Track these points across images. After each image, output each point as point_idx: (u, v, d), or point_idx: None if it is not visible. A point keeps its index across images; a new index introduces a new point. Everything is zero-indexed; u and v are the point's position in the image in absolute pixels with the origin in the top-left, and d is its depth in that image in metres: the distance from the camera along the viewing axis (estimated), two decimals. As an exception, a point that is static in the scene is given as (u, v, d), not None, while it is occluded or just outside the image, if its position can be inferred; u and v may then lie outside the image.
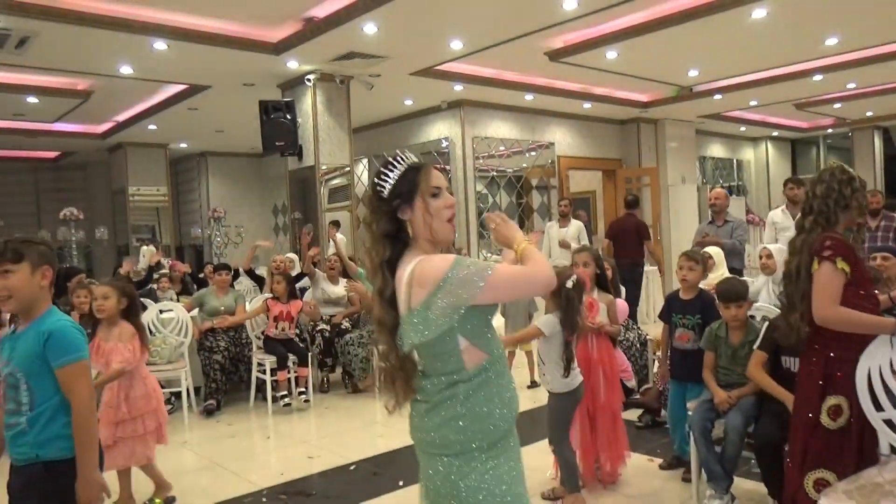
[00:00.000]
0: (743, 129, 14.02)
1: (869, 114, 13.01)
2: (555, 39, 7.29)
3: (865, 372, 2.40)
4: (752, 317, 3.51)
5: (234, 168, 13.75)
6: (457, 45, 7.07)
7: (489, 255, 10.27)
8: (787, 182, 6.56)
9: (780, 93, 10.29)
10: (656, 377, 4.93)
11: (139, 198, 11.97)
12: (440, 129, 10.22)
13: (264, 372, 5.63)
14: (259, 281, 7.34)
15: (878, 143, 14.22)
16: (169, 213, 12.45)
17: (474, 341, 1.67)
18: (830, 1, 6.33)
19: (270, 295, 5.92)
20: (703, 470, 3.30)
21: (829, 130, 14.69)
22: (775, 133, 14.95)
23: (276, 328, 5.71)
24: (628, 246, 7.77)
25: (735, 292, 3.28)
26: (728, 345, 3.35)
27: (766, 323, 3.22)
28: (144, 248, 10.31)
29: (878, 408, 2.41)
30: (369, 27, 6.28)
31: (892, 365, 2.40)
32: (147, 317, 5.59)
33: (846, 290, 2.40)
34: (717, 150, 14.51)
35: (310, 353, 6.03)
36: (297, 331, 6.23)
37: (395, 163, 1.75)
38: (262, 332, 5.88)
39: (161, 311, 5.89)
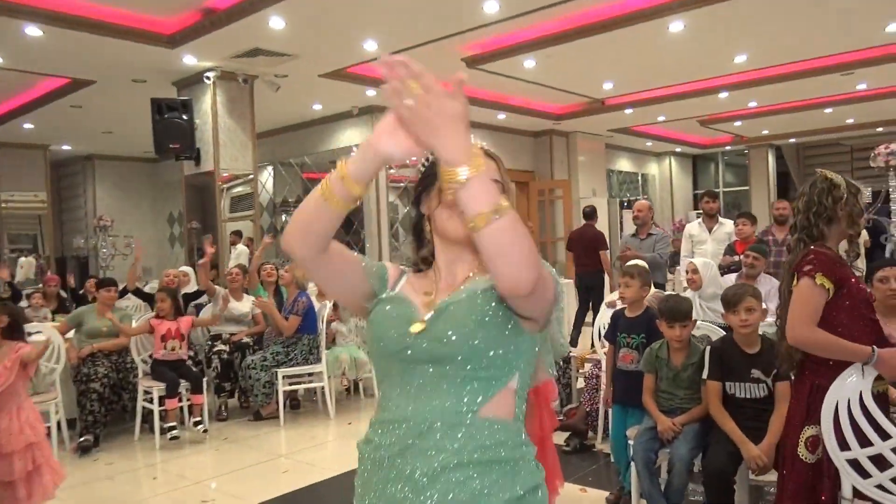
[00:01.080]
0: (649, 144, 14.34)
1: (764, 132, 13.59)
2: (473, 45, 7.04)
3: (833, 405, 2.18)
4: (693, 335, 3.29)
5: (124, 173, 12.68)
6: (371, 46, 6.67)
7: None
8: (703, 196, 6.59)
9: (687, 109, 10.50)
10: (582, 398, 4.69)
11: (13, 204, 10.81)
12: (351, 136, 9.76)
13: (151, 400, 4.99)
14: (148, 299, 6.61)
15: (771, 160, 14.92)
16: (49, 222, 11.33)
17: None
18: (745, 17, 6.39)
19: (153, 314, 5.29)
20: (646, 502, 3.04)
21: (728, 147, 15.28)
22: (678, 149, 15.40)
23: (165, 348, 5.08)
24: (589, 254, 7.70)
25: (680, 311, 3.04)
26: (670, 367, 3.10)
27: (709, 349, 3.00)
28: (23, 259, 9.33)
29: (844, 446, 2.20)
30: (275, 21, 5.79)
31: (861, 398, 2.19)
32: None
33: (841, 311, 2.18)
34: (624, 164, 14.77)
35: (205, 378, 5.43)
36: (192, 352, 5.62)
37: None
38: (150, 356, 5.23)
39: (29, 334, 5.12)
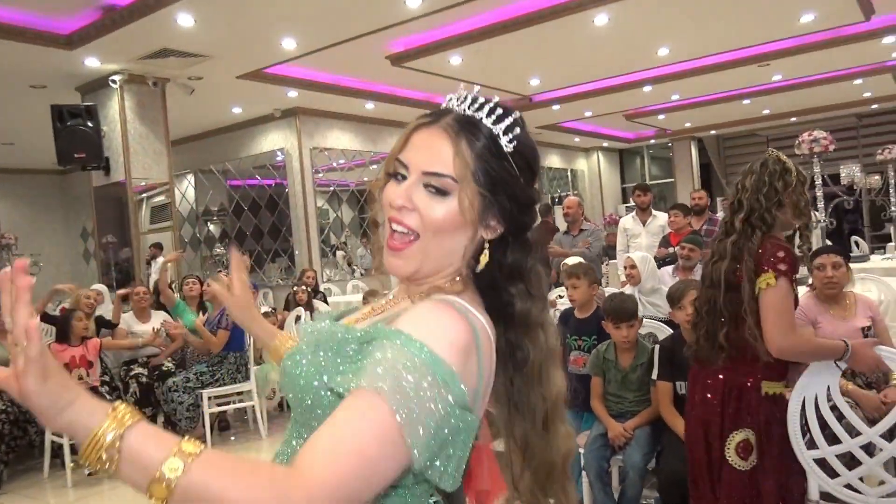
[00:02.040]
0: (577, 139, 14.45)
1: (687, 125, 13.89)
2: (397, 42, 6.82)
3: (799, 403, 2.06)
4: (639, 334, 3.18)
5: (29, 187, 11.82)
6: (289, 45, 6.36)
7: (347, 281, 9.60)
8: (634, 189, 6.58)
9: (613, 103, 10.59)
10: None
11: None
12: (274, 140, 9.37)
13: (60, 434, 4.55)
14: (55, 323, 6.04)
15: (694, 152, 15.29)
16: (-54, 242, 10.45)
17: None
18: (667, 10, 6.41)
19: (51, 339, 4.82)
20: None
21: (652, 141, 15.58)
22: (605, 144, 15.60)
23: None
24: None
25: (625, 310, 2.91)
26: (618, 369, 2.97)
27: (658, 347, 2.88)
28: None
29: (811, 445, 2.09)
30: (184, 19, 5.41)
31: (828, 392, 2.08)
32: None
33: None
34: (554, 160, 14.84)
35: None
36: (106, 377, 5.19)
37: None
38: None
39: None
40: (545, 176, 14.56)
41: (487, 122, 0.92)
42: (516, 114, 0.94)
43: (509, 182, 0.92)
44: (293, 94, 8.13)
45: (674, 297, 2.85)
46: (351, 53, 6.75)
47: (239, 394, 5.30)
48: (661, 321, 3.51)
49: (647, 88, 9.62)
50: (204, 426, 5.06)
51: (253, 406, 5.32)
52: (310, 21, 5.83)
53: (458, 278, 0.95)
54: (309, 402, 0.89)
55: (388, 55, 7.11)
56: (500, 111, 0.93)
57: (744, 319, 2.04)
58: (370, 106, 9.12)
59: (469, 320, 0.86)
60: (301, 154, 9.08)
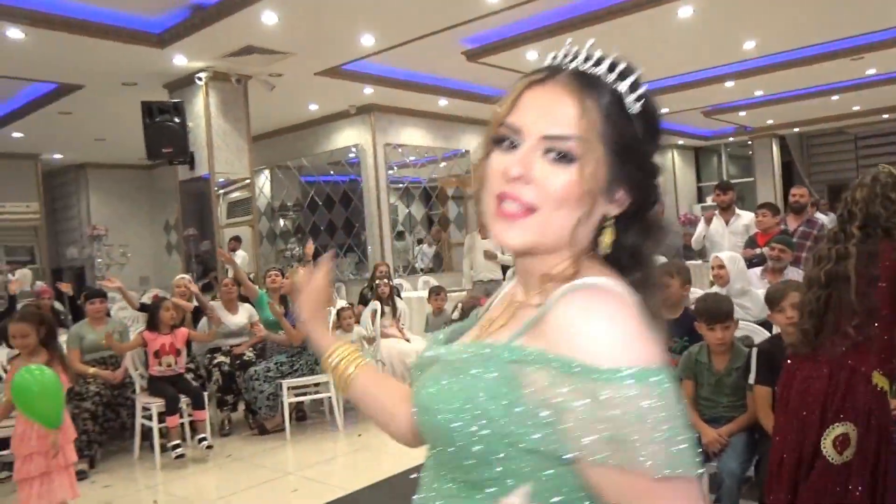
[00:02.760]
0: (651, 137, 14.10)
1: (769, 122, 13.34)
2: (473, 37, 6.79)
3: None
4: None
5: (118, 181, 12.40)
6: (368, 41, 6.42)
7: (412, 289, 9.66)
8: (715, 187, 6.37)
9: (691, 99, 10.25)
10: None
11: (5, 216, 10.56)
12: (348, 137, 9.50)
13: (150, 418, 4.73)
14: (146, 310, 6.33)
15: (775, 150, 14.67)
16: (43, 233, 11.07)
17: None
18: (753, 2, 6.15)
19: (144, 328, 5.01)
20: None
21: (731, 139, 15.04)
22: (681, 141, 15.16)
23: (160, 364, 4.82)
24: None
25: (720, 311, 2.79)
26: (712, 372, 2.85)
27: (756, 350, 2.75)
28: (19, 271, 9.09)
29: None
30: (268, 17, 5.53)
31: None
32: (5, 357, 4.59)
33: None
34: (626, 158, 14.54)
35: (207, 392, 5.17)
36: (193, 365, 5.37)
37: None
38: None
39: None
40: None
41: (609, 78, 0.80)
42: (640, 70, 0.82)
43: (638, 147, 0.81)
44: (369, 90, 8.21)
45: (773, 299, 2.72)
46: (427, 49, 6.76)
47: (316, 385, 5.39)
48: (756, 323, 3.36)
49: (729, 84, 9.28)
50: (283, 415, 5.17)
51: (329, 397, 5.41)
52: (388, 17, 5.87)
53: (579, 256, 0.80)
54: (453, 448, 0.76)
55: (463, 51, 7.10)
56: (622, 66, 0.81)
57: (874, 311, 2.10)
58: (444, 102, 9.13)
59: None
60: (375, 150, 9.18)
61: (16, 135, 9.09)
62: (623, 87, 0.80)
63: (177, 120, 6.69)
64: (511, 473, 0.73)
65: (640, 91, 0.81)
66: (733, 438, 2.71)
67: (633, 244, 0.82)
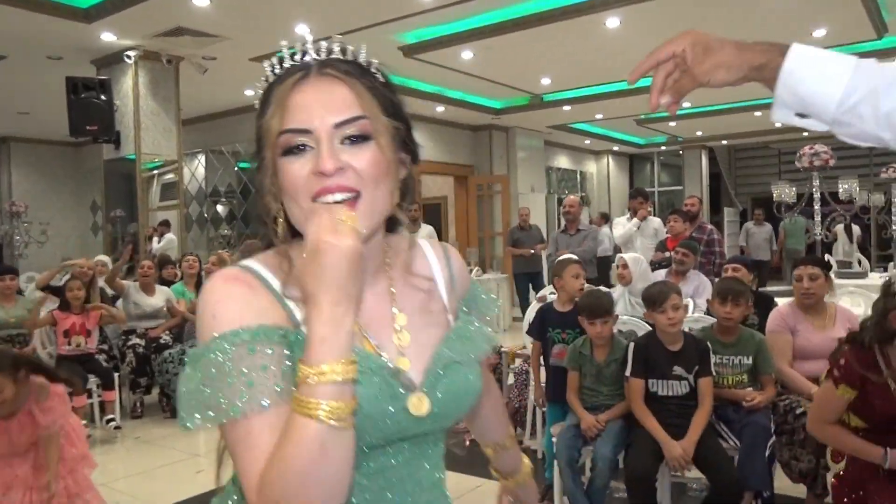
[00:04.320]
0: (588, 142, 14.48)
1: (698, 133, 13.90)
2: (409, 34, 6.89)
3: None
4: (620, 331, 3.26)
5: (42, 157, 11.98)
6: (302, 30, 6.43)
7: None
8: (635, 193, 6.67)
9: (624, 108, 10.60)
10: (513, 395, 4.61)
11: (-82, 187, 10.11)
12: (285, 124, 9.45)
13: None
14: (56, 293, 6.19)
15: (704, 161, 15.29)
16: (-41, 207, 10.63)
17: None
18: (677, 16, 6.44)
19: (55, 306, 4.95)
20: (566, 500, 2.98)
21: (663, 147, 15.58)
22: (616, 147, 15.62)
23: (69, 343, 4.77)
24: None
25: (600, 306, 2.99)
26: (593, 363, 3.05)
27: (632, 345, 2.95)
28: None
29: None
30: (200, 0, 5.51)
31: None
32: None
33: None
34: (563, 161, 14.88)
35: (119, 373, 5.13)
36: (106, 346, 5.31)
37: (275, 65, 0.88)
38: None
39: None
40: (553, 175, 14.60)
41: (356, 58, 0.87)
42: (357, 45, 0.89)
43: (400, 107, 0.88)
44: (305, 79, 8.20)
45: (655, 300, 2.91)
46: (363, 42, 6.73)
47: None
48: (648, 323, 3.57)
49: (657, 94, 9.64)
50: (196, 399, 5.17)
51: (245, 383, 5.43)
52: (323, 7, 5.91)
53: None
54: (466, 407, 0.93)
55: (399, 46, 7.18)
56: (350, 46, 0.87)
57: None
58: (381, 96, 9.18)
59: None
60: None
61: (-68, 102, 8.73)
62: (364, 61, 0.87)
63: (103, 97, 6.56)
64: None
65: (373, 61, 0.89)
66: (609, 424, 2.91)
67: (408, 187, 0.91)
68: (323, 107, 0.81)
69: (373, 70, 0.88)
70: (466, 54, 7.42)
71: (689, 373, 2.86)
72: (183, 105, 7.33)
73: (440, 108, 10.19)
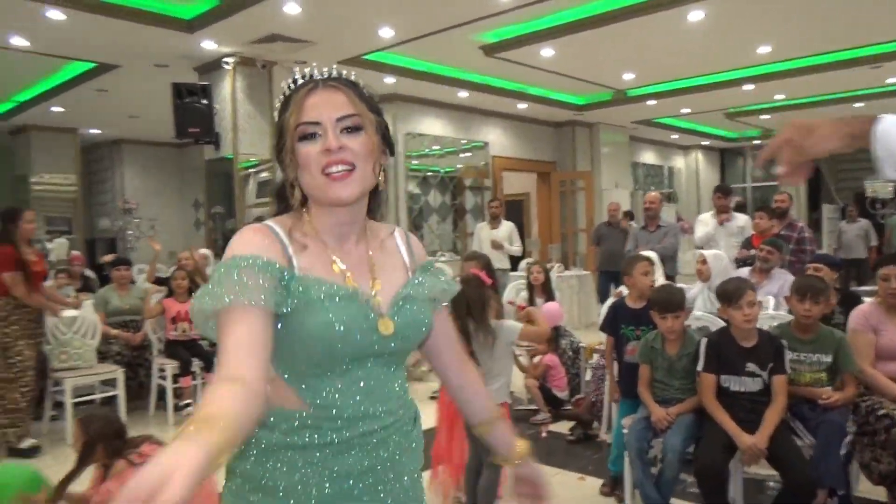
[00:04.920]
0: (675, 136, 14.15)
1: (794, 126, 13.29)
2: (490, 33, 7.01)
3: None
4: (689, 326, 3.27)
5: (151, 157, 12.88)
6: (387, 33, 6.69)
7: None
8: (715, 190, 6.53)
9: (712, 101, 10.34)
10: (590, 390, 4.67)
11: (44, 186, 11.06)
12: (371, 124, 9.77)
13: (165, 378, 5.11)
14: (163, 283, 6.71)
15: (801, 155, 14.59)
16: (80, 204, 11.58)
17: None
18: (767, 8, 6.27)
19: (165, 295, 5.38)
20: (637, 492, 3.04)
21: (756, 141, 15.01)
22: (705, 142, 15.18)
23: (176, 329, 5.20)
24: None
25: (672, 301, 3.02)
26: (664, 357, 3.09)
27: (705, 340, 2.98)
28: (56, 240, 9.59)
29: None
30: (291, 7, 5.82)
31: None
32: (49, 319, 4.97)
33: None
34: (649, 156, 14.61)
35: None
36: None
37: (290, 83, 1.21)
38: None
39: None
40: (639, 171, 14.35)
41: (349, 77, 1.20)
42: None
43: (379, 110, 1.20)
44: (390, 80, 8.47)
45: (730, 296, 2.92)
46: (445, 43, 7.00)
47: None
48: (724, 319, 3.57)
49: (747, 87, 9.36)
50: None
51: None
52: (406, 10, 6.12)
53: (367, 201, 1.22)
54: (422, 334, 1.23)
55: (481, 45, 7.32)
56: (344, 70, 1.20)
57: None
58: (464, 94, 9.36)
59: None
60: (395, 139, 9.42)
61: (56, 109, 9.54)
62: (354, 79, 1.21)
63: (204, 101, 7.05)
64: None
65: (361, 81, 1.22)
66: (679, 417, 2.95)
67: (384, 168, 1.21)
68: (328, 106, 1.13)
69: (361, 85, 1.21)
70: (547, 52, 7.47)
71: (762, 370, 2.87)
72: (276, 107, 7.71)
73: (522, 105, 10.25)
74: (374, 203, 1.24)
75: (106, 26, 6.08)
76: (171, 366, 5.10)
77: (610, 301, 4.61)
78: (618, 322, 3.49)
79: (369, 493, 1.13)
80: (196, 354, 5.21)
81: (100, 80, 8.05)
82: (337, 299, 1.10)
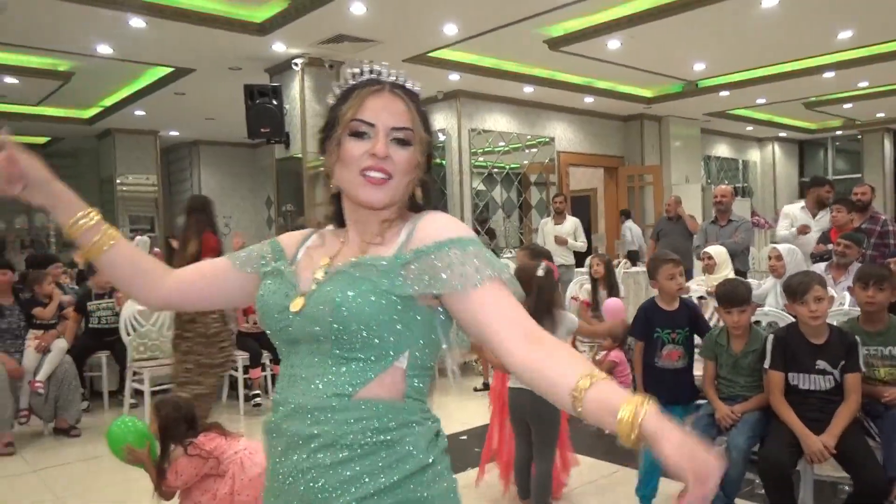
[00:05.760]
0: (749, 128, 13.66)
1: (880, 115, 12.63)
2: (555, 27, 6.95)
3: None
4: (758, 322, 3.17)
5: (225, 158, 13.40)
6: (451, 30, 6.73)
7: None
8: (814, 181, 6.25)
9: (789, 91, 9.93)
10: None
11: (127, 187, 11.66)
12: (436, 121, 9.85)
13: (237, 369, 5.31)
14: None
15: (888, 145, 13.85)
16: (161, 203, 12.15)
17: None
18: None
19: None
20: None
21: (838, 132, 14.32)
22: (783, 133, 14.58)
23: (247, 321, 5.39)
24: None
25: (737, 295, 2.93)
26: (729, 353, 3.00)
27: (772, 336, 2.88)
28: (139, 238, 10.09)
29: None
30: (357, 7, 5.94)
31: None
32: (125, 311, 5.27)
33: None
34: (722, 149, 14.15)
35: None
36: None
37: (357, 72, 1.19)
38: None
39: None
40: (712, 165, 13.92)
41: (409, 85, 1.18)
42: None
43: (429, 127, 1.19)
44: (455, 77, 8.52)
45: (795, 291, 2.81)
46: (510, 38, 6.99)
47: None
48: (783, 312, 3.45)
49: (827, 75, 8.94)
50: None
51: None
52: (470, 6, 6.14)
53: (399, 209, 1.19)
54: (356, 326, 1.05)
55: (546, 40, 7.26)
56: (410, 82, 1.19)
57: None
58: (529, 90, 9.31)
59: None
60: (460, 135, 9.49)
61: (138, 112, 10.04)
62: (416, 89, 1.19)
63: (275, 102, 7.28)
64: (393, 340, 1.08)
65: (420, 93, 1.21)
66: (745, 415, 2.86)
67: (427, 192, 1.22)
68: (387, 112, 1.13)
69: (418, 97, 1.20)
70: (613, 44, 7.35)
71: (833, 367, 2.75)
72: (335, 93, 7.87)
73: (588, 99, 10.11)
74: (416, 202, 1.20)
75: (183, 32, 6.36)
76: (242, 357, 5.29)
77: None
78: (651, 325, 3.17)
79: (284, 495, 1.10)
80: (266, 347, 5.38)
81: (178, 84, 8.42)
82: (273, 276, 1.19)
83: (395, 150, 1.13)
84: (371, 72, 1.17)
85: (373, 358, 1.08)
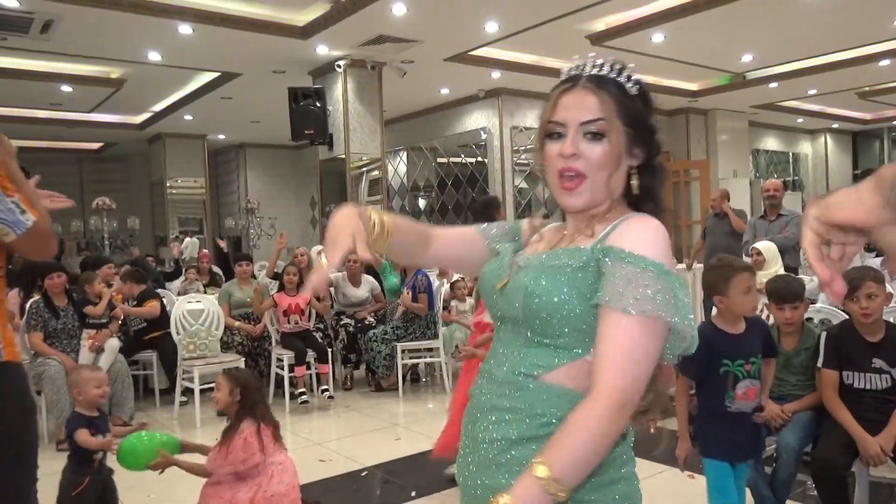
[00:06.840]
0: (800, 120, 13.27)
1: (940, 104, 12.13)
2: (597, 21, 6.87)
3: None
4: (810, 319, 3.08)
5: (270, 160, 13.64)
6: (492, 28, 6.71)
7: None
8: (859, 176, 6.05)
9: (841, 80, 9.61)
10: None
11: (177, 189, 11.97)
12: (478, 119, 9.87)
13: (282, 368, 5.41)
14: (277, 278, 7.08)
15: (949, 135, 13.31)
16: (209, 205, 12.44)
17: None
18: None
19: (276, 290, 5.70)
20: (751, 492, 2.90)
21: (895, 122, 13.80)
22: (835, 125, 14.12)
23: (289, 322, 5.48)
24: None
25: (789, 291, 2.85)
26: (781, 352, 2.92)
27: (825, 334, 2.79)
28: (188, 240, 10.34)
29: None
30: (398, 8, 5.98)
31: None
32: (176, 310, 5.42)
33: None
34: (771, 142, 13.79)
35: (332, 349, 5.79)
36: (321, 325, 6.00)
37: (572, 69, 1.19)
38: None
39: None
40: (761, 158, 13.57)
41: (612, 75, 1.14)
42: (632, 65, 1.17)
43: (641, 116, 1.14)
44: (496, 74, 8.50)
45: (847, 287, 2.72)
46: (551, 34, 6.93)
47: (429, 350, 5.85)
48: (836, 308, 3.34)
49: (883, 63, 8.62)
50: (397, 375, 5.68)
51: (440, 362, 5.84)
52: (510, 4, 6.12)
53: (613, 203, 1.16)
54: (545, 314, 1.09)
55: (587, 34, 7.19)
56: (618, 65, 1.15)
57: None
58: (570, 86, 9.20)
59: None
60: (502, 133, 9.47)
61: (187, 117, 10.31)
62: (622, 78, 1.14)
63: (318, 104, 7.38)
64: (579, 334, 1.09)
65: (634, 79, 1.15)
66: (796, 415, 2.78)
67: (648, 185, 1.17)
68: (577, 108, 1.12)
69: (628, 86, 1.14)
70: (657, 37, 7.23)
71: (891, 366, 2.66)
72: (385, 106, 7.97)
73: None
74: (637, 197, 1.16)
75: (228, 37, 6.51)
76: (287, 356, 5.38)
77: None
78: (717, 356, 2.44)
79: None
80: (310, 346, 5.46)
81: (224, 89, 8.61)
82: (497, 255, 1.26)
83: (586, 146, 1.12)
84: (575, 68, 1.17)
85: (562, 346, 1.10)
